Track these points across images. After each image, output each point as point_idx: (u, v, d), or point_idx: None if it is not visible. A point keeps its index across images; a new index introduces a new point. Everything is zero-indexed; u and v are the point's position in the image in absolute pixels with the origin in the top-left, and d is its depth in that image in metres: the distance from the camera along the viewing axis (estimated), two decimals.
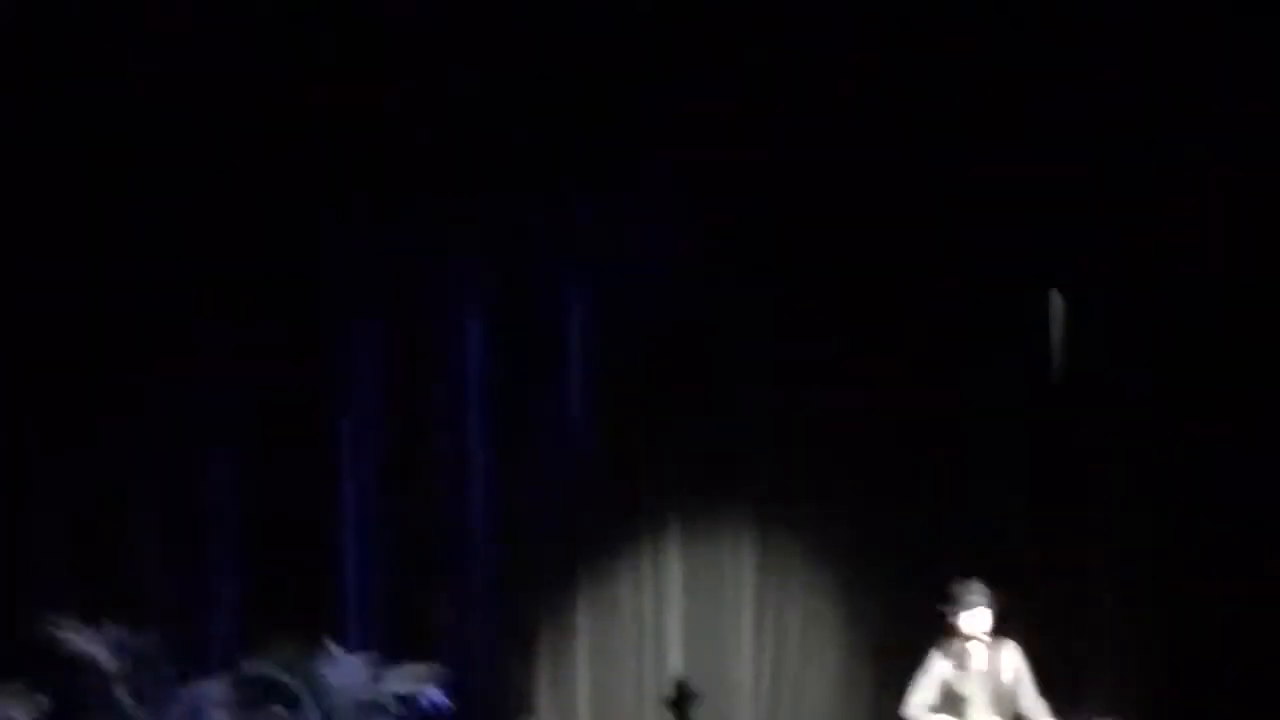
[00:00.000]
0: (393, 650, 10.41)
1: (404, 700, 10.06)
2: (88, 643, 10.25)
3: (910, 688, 9.87)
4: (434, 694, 10.12)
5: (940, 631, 9.86)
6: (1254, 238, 11.60)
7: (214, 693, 10.09)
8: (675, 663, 13.18)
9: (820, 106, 11.86)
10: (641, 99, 11.86)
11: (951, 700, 9.76)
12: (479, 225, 12.07)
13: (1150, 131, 11.68)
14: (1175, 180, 11.66)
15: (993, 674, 9.74)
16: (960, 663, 9.76)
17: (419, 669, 10.18)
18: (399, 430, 12.17)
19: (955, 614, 9.77)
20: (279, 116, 11.57)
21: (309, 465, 11.94)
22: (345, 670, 10.04)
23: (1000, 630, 9.79)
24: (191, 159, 11.56)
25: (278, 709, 9.91)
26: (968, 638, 9.75)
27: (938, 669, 9.80)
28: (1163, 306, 11.89)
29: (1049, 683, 9.86)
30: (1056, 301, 12.39)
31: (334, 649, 10.13)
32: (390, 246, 11.98)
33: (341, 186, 11.79)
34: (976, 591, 9.76)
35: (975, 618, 9.73)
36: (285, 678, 9.94)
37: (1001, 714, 9.72)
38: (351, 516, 11.93)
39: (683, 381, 12.70)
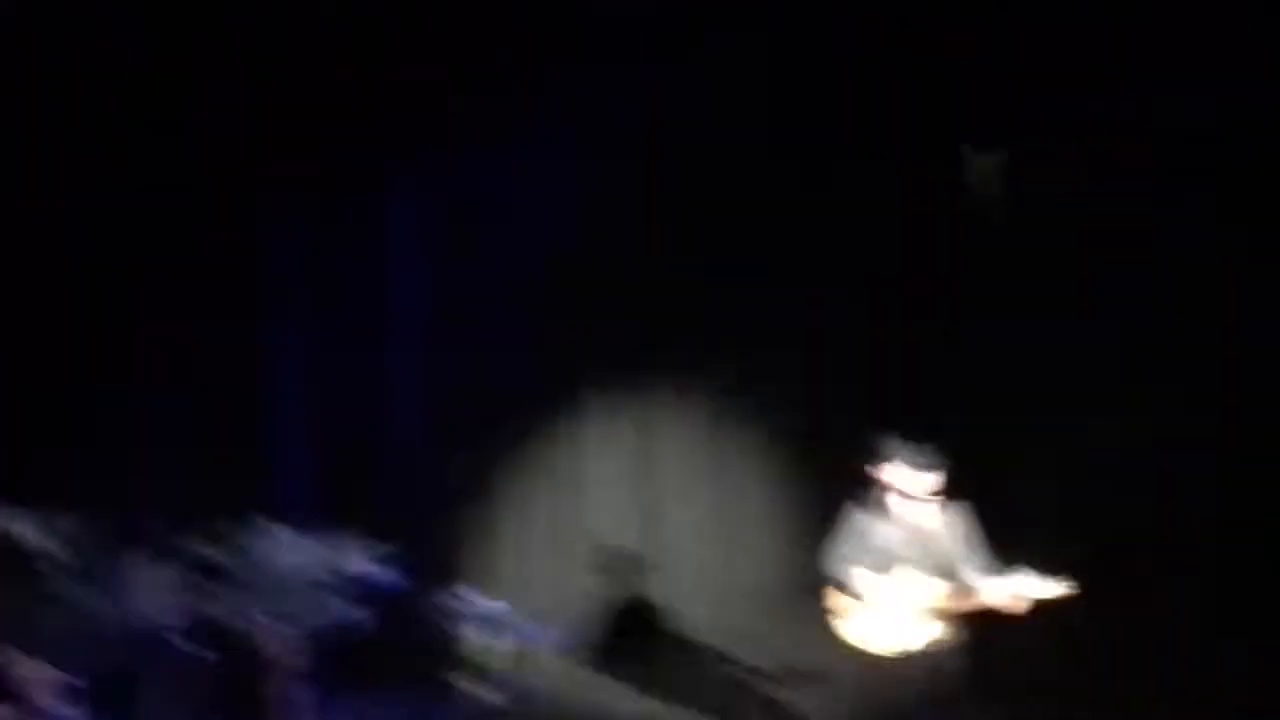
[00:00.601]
0: (337, 531, 10.36)
1: (356, 579, 10.04)
2: (32, 531, 10.20)
3: (828, 541, 9.80)
4: (383, 572, 10.11)
5: (862, 485, 9.76)
6: None
7: (163, 576, 10.08)
8: (612, 527, 13.28)
9: None
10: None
11: (882, 556, 9.62)
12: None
13: None
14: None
15: (931, 533, 9.60)
16: (890, 520, 9.64)
17: (369, 547, 10.16)
18: (327, 304, 12.15)
19: (876, 465, 9.65)
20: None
21: (242, 346, 11.91)
22: (295, 550, 10.04)
23: (947, 493, 9.66)
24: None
25: (228, 592, 9.89)
26: (895, 491, 9.62)
27: (863, 525, 9.68)
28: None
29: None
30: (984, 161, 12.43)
31: (281, 530, 10.10)
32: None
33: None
34: (911, 449, 9.61)
35: (916, 478, 9.56)
36: (227, 558, 9.92)
37: (940, 574, 9.55)
38: (288, 395, 11.92)
39: (607, 254, 12.70)
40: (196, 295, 11.90)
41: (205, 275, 11.93)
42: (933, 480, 9.62)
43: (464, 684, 10.46)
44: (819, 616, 10.31)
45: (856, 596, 9.69)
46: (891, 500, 9.68)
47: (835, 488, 10.26)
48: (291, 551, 9.97)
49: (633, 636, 13.10)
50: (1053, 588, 9.39)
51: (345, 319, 12.26)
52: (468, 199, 12.53)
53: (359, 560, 10.06)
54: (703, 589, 13.43)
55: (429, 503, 12.27)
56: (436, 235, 12.43)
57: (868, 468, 9.72)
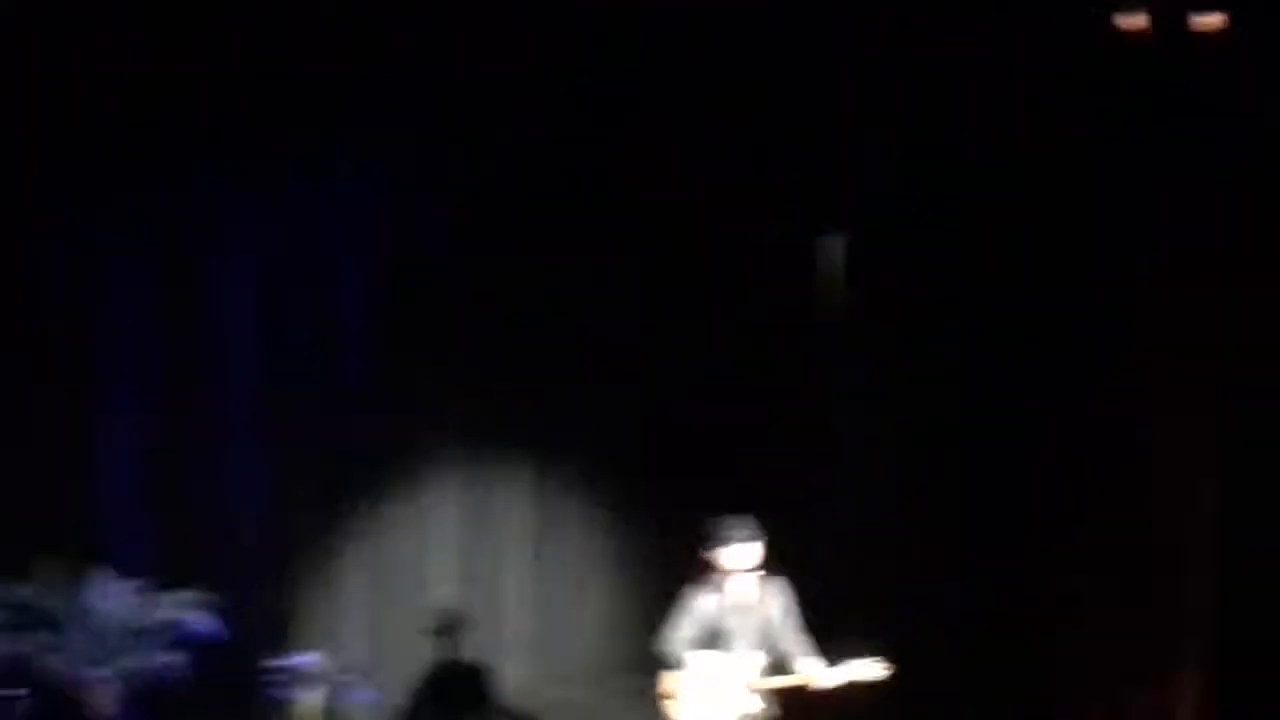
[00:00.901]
0: (160, 577, 10.28)
1: (173, 626, 9.96)
2: None
3: (666, 623, 9.86)
4: (203, 621, 10.04)
5: (697, 568, 9.84)
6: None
7: None
8: (445, 594, 13.26)
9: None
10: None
11: (714, 635, 9.72)
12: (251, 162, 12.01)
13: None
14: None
15: (758, 609, 9.70)
16: (720, 597, 9.72)
17: (188, 595, 10.10)
18: (168, 355, 12.06)
19: (712, 549, 9.71)
20: None
21: (76, 389, 11.79)
22: (112, 595, 9.94)
23: (767, 567, 9.77)
24: None
25: (43, 634, 9.77)
26: (728, 572, 9.69)
27: (693, 604, 9.76)
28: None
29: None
30: (825, 246, 12.62)
31: (101, 574, 10.00)
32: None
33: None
34: (741, 527, 9.68)
35: (737, 552, 9.64)
36: (48, 601, 9.80)
37: (766, 648, 9.67)
38: (119, 442, 11.80)
39: (460, 320, 12.74)
40: (31, 353, 11.76)
41: (41, 333, 11.79)
42: (753, 553, 9.72)
43: None
44: (643, 691, 10.38)
45: (687, 674, 9.77)
46: (723, 580, 9.76)
47: (667, 563, 10.35)
48: (110, 597, 9.87)
49: (451, 698, 13.07)
50: (871, 669, 9.55)
51: (180, 377, 12.15)
52: (292, 257, 12.51)
53: (178, 608, 9.98)
54: (527, 655, 13.46)
55: (260, 560, 12.19)
56: (266, 295, 12.38)
57: (701, 550, 9.81)
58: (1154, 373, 11.14)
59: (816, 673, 9.61)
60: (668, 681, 9.88)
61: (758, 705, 9.74)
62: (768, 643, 9.71)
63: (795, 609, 9.79)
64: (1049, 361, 11.70)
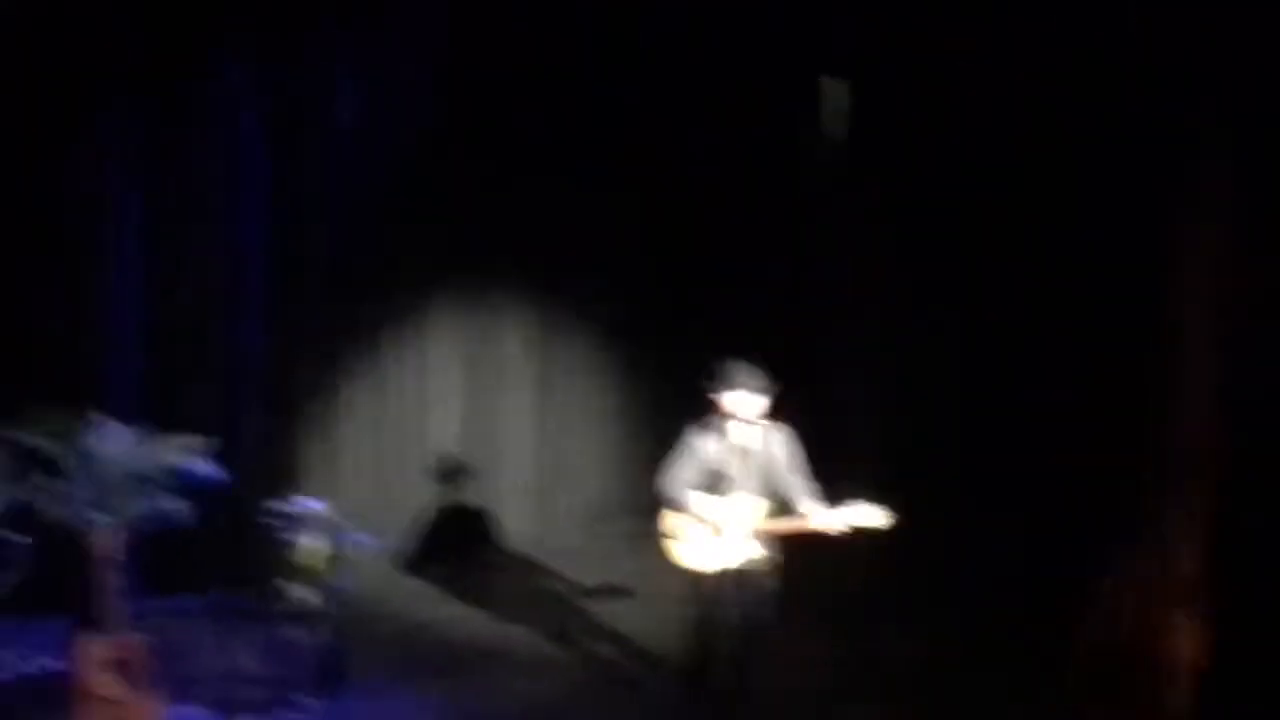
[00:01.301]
0: (161, 423, 10.26)
1: (172, 472, 9.95)
2: None
3: (667, 464, 9.88)
4: (203, 465, 10.03)
5: (703, 409, 9.87)
6: None
7: None
8: (447, 438, 13.29)
9: None
10: None
11: (713, 477, 9.76)
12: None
13: None
14: None
15: (762, 455, 9.72)
16: (722, 440, 9.75)
17: (188, 440, 10.07)
18: (166, 202, 11.97)
19: (717, 391, 9.73)
20: None
21: (74, 235, 11.72)
22: (113, 441, 9.90)
23: (774, 415, 9.80)
24: None
25: (43, 479, 9.76)
26: (731, 416, 9.72)
27: (694, 445, 9.78)
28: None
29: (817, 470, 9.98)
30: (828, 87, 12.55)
31: (101, 420, 9.98)
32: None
33: None
34: (748, 373, 9.70)
35: (743, 399, 9.67)
36: (51, 447, 9.78)
37: (768, 493, 9.71)
38: (118, 287, 11.75)
39: (458, 157, 12.68)
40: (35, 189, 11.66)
41: (41, 174, 11.68)
42: (761, 402, 9.73)
43: (284, 585, 10.47)
44: (643, 535, 10.40)
45: (689, 517, 9.80)
46: (725, 423, 9.77)
47: (672, 410, 10.37)
48: (112, 443, 9.84)
49: (454, 545, 13.16)
50: (873, 516, 9.58)
51: (190, 222, 12.07)
52: (300, 100, 12.40)
53: (181, 454, 9.96)
54: (527, 500, 13.54)
55: (263, 405, 12.19)
56: (269, 136, 12.28)
57: (705, 391, 9.81)
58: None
59: (818, 517, 9.64)
60: (669, 522, 9.93)
61: (758, 549, 9.80)
62: (769, 488, 9.75)
63: (800, 455, 9.82)
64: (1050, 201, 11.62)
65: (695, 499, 9.79)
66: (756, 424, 9.75)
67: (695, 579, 9.86)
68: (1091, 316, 11.04)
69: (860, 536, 9.65)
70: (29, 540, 9.91)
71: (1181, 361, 10.14)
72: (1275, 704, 9.49)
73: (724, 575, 9.80)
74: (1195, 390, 10.10)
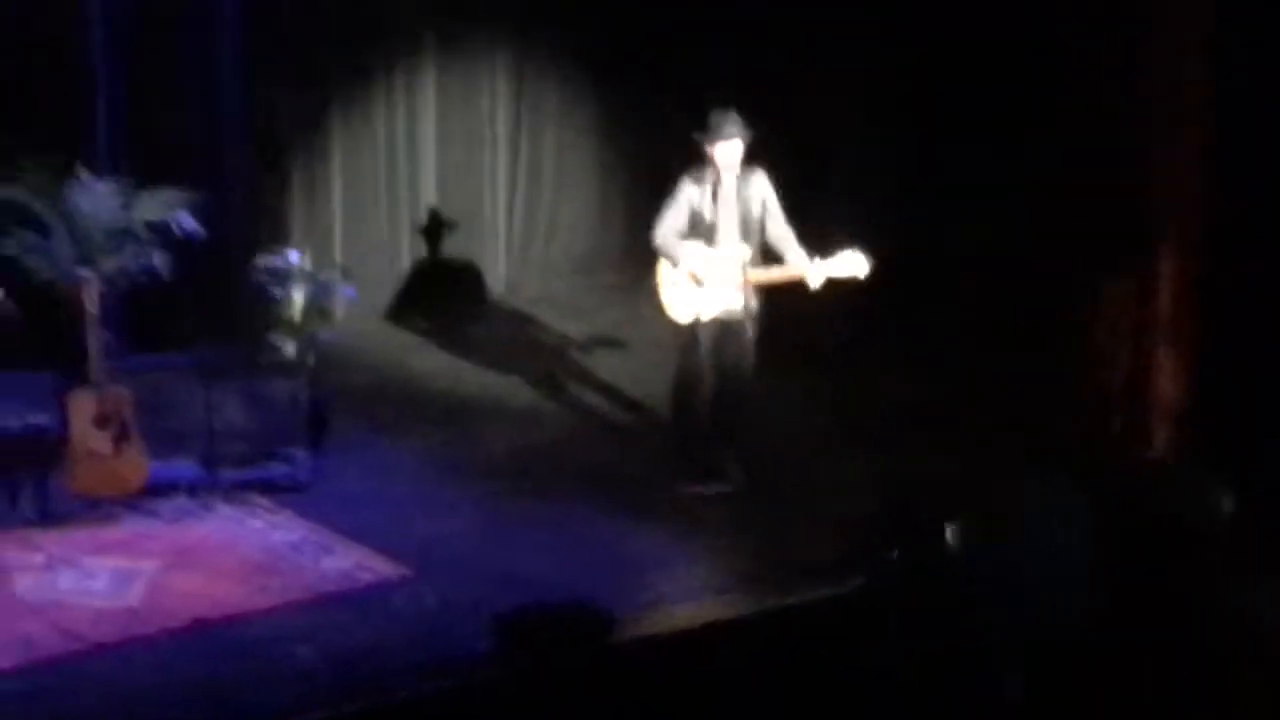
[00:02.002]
0: (146, 178, 10.20)
1: (155, 227, 9.91)
2: None
3: (659, 213, 9.92)
4: (185, 220, 9.98)
5: (691, 159, 9.86)
6: None
7: None
8: (429, 190, 13.23)
9: None
10: None
11: (700, 227, 9.80)
12: None
13: None
14: None
15: (742, 202, 9.77)
16: (710, 190, 9.77)
17: (171, 195, 10.01)
18: None
19: (709, 141, 9.74)
20: None
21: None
22: (96, 196, 9.84)
23: (750, 160, 9.81)
24: None
25: (25, 234, 9.73)
26: (719, 166, 9.75)
27: (686, 195, 9.80)
28: None
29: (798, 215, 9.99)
30: None
31: (84, 175, 9.92)
32: None
33: None
34: (730, 121, 9.71)
35: (728, 148, 9.71)
36: (34, 202, 9.74)
37: (749, 242, 9.78)
38: (102, 39, 11.60)
39: None
40: None
41: None
42: (736, 149, 9.74)
43: (269, 339, 10.49)
44: (631, 285, 10.39)
45: (678, 265, 9.83)
46: (708, 169, 9.79)
47: (651, 159, 10.36)
48: (94, 197, 9.78)
49: (435, 295, 13.16)
50: (854, 264, 9.61)
51: None
52: None
53: (162, 208, 9.91)
54: (509, 251, 13.54)
55: (244, 159, 12.11)
56: None
57: (695, 141, 9.80)
58: None
59: (800, 266, 9.69)
60: (660, 269, 9.98)
61: (742, 298, 9.83)
62: (751, 236, 9.80)
63: (776, 200, 9.85)
64: None
65: (685, 248, 9.81)
66: (736, 170, 9.77)
67: (680, 328, 9.92)
68: (1087, 62, 10.90)
69: (841, 284, 9.70)
70: (7, 295, 9.88)
71: (1175, 113, 10.12)
72: (1256, 442, 9.57)
73: (707, 324, 9.87)
74: (1188, 144, 10.11)
